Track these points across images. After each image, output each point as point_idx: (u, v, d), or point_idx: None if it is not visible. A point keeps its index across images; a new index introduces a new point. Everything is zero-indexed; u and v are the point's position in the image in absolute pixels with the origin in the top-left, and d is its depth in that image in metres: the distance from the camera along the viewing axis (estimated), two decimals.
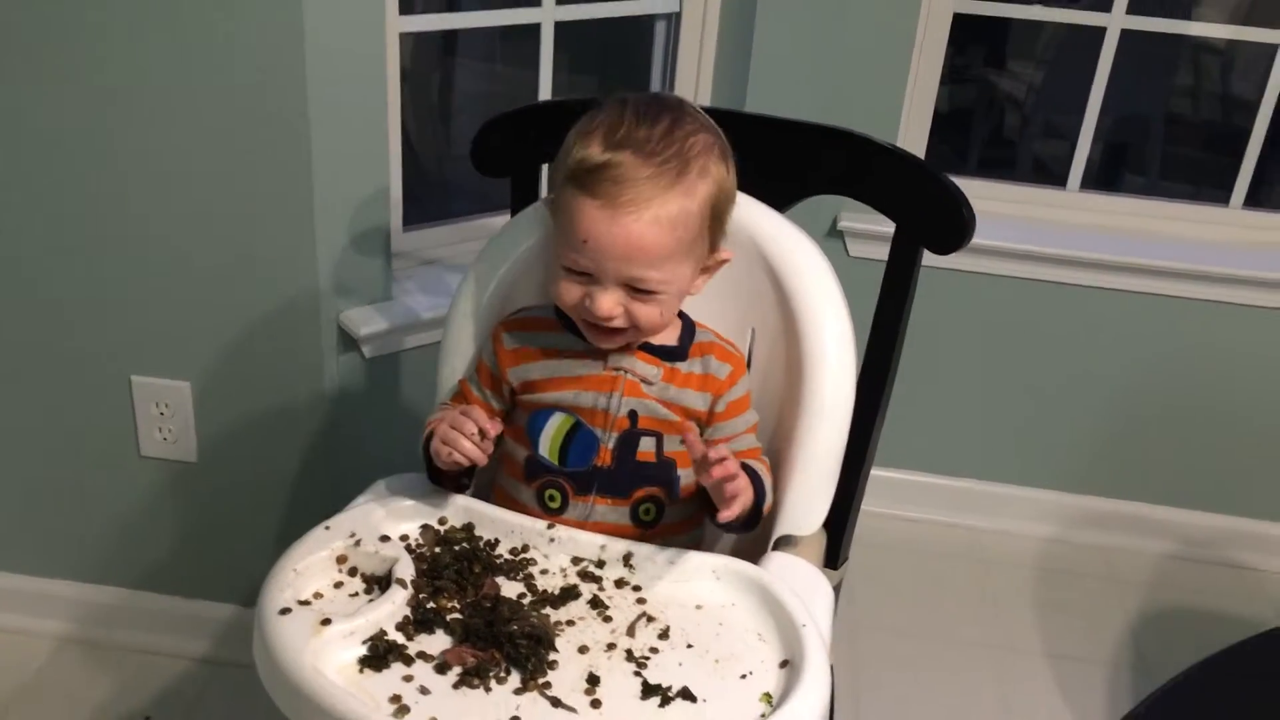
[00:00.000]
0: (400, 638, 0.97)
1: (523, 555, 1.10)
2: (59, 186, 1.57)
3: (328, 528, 1.08)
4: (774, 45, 1.96)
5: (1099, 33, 2.11)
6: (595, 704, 0.93)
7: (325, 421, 1.71)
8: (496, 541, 1.11)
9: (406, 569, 1.03)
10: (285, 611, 0.97)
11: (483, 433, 1.07)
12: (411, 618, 0.99)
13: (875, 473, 1.39)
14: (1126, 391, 2.23)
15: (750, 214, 1.22)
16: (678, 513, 1.18)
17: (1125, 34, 2.09)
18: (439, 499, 1.15)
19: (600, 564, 1.09)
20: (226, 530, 1.80)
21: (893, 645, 2.02)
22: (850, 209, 2.12)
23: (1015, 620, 2.12)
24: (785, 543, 1.19)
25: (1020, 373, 2.26)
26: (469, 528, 1.12)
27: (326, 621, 0.96)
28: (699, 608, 1.05)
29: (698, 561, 1.08)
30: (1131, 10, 2.08)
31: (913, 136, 2.13)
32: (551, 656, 0.97)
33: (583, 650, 0.99)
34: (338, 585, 1.04)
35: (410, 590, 1.02)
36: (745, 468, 1.09)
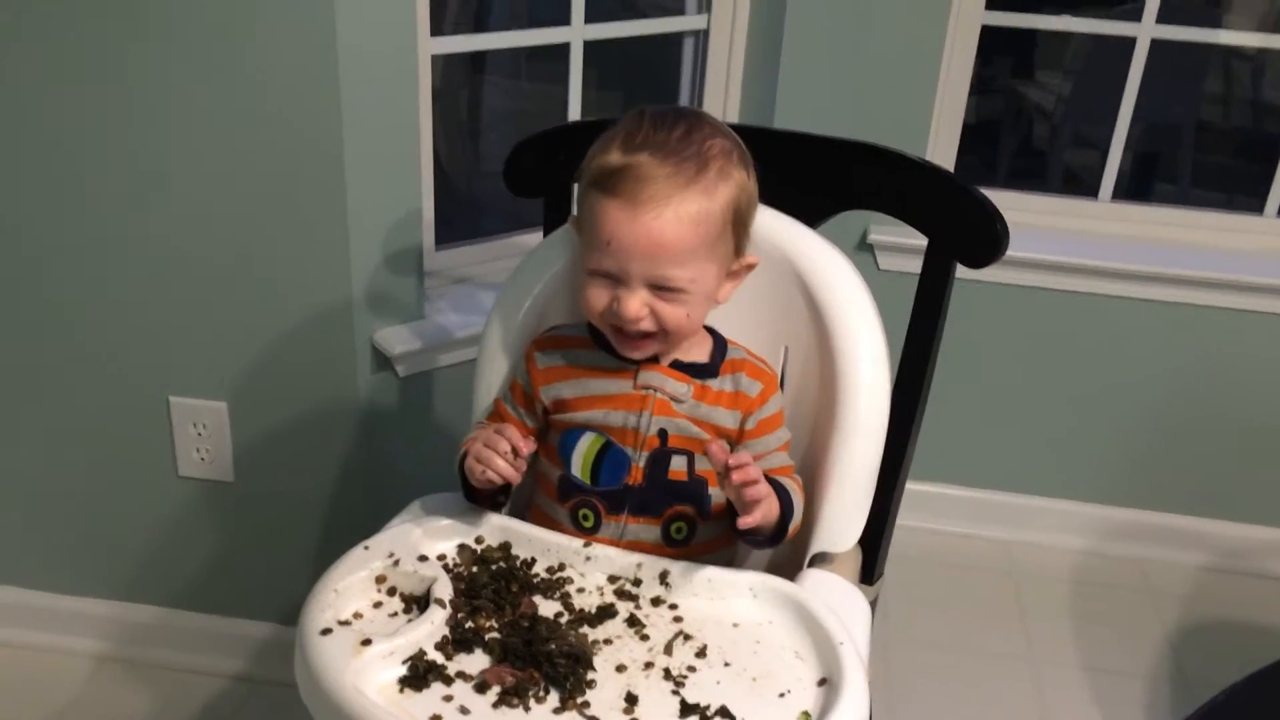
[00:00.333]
0: (439, 657, 0.98)
1: (559, 574, 1.10)
2: (99, 212, 1.60)
3: (367, 548, 1.09)
4: (802, 61, 1.97)
5: (1127, 42, 2.10)
6: None
7: (359, 440, 1.72)
8: (533, 560, 1.11)
9: (445, 589, 1.04)
10: (326, 632, 0.98)
11: (516, 451, 1.08)
12: (450, 637, 1.00)
13: (907, 486, 1.38)
14: (1160, 402, 2.22)
15: (783, 230, 1.22)
16: (709, 531, 1.18)
17: (1154, 43, 2.08)
18: (475, 518, 1.15)
19: (637, 582, 1.09)
20: (263, 549, 1.82)
21: (927, 658, 2.01)
22: (880, 222, 2.11)
23: (1050, 633, 2.10)
24: (821, 559, 1.19)
25: (1052, 384, 2.24)
26: (505, 547, 1.12)
27: (367, 642, 0.97)
28: (736, 626, 1.05)
29: (734, 579, 1.08)
30: (1160, 19, 2.07)
31: (942, 149, 2.13)
32: (590, 676, 0.97)
33: (620, 669, 0.99)
34: (377, 605, 1.05)
35: (449, 610, 1.02)
36: (772, 482, 1.09)
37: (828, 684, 0.98)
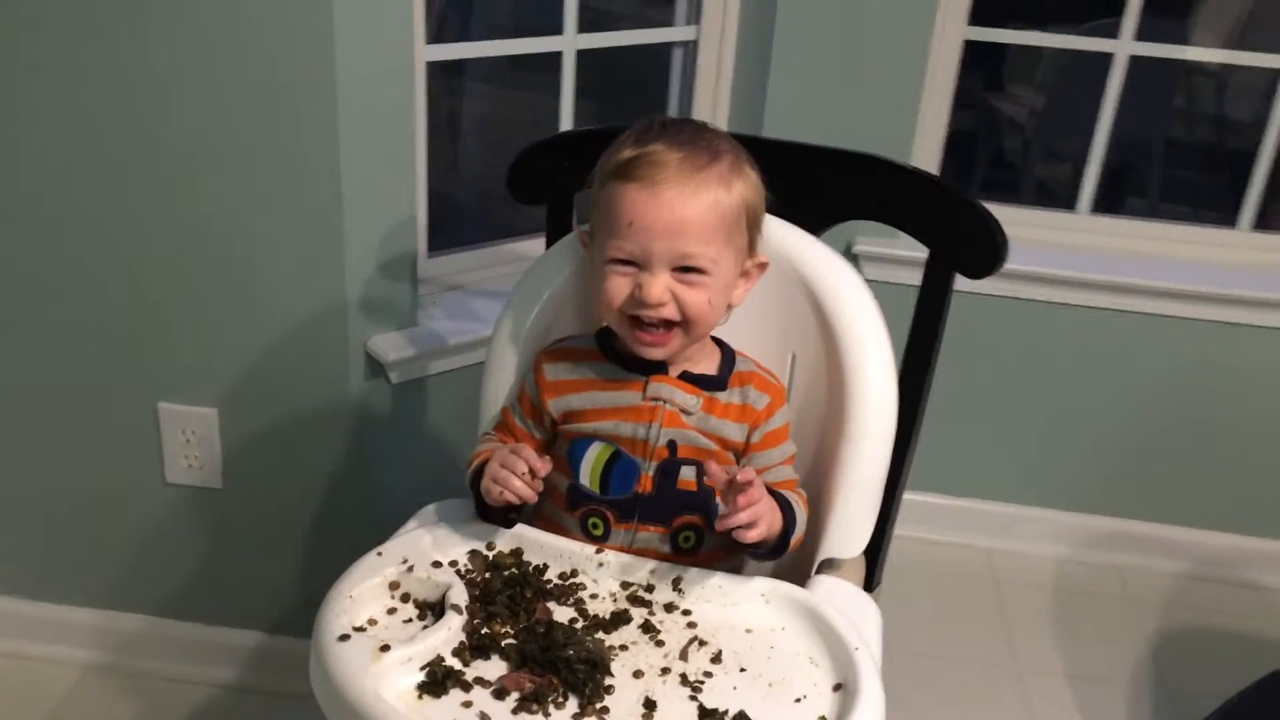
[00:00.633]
0: (457, 663, 0.98)
1: (572, 580, 1.10)
2: (87, 216, 1.58)
3: (380, 554, 1.08)
4: (790, 72, 1.99)
5: (1099, 58, 2.14)
6: None
7: (351, 447, 1.71)
8: (545, 566, 1.11)
9: (460, 595, 1.04)
10: (344, 638, 0.98)
11: (533, 472, 1.08)
12: (467, 643, 1.00)
13: None
14: (1138, 412, 2.25)
15: (789, 239, 1.24)
16: (716, 540, 1.18)
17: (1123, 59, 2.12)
18: (487, 525, 1.15)
19: (649, 588, 1.10)
20: (251, 556, 1.81)
21: (912, 667, 2.02)
22: (864, 232, 2.13)
23: (1033, 641, 2.13)
24: (828, 566, 1.20)
25: (1032, 394, 2.28)
26: (517, 553, 1.12)
27: (385, 648, 0.97)
28: (749, 631, 1.06)
29: (746, 585, 1.09)
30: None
31: (925, 160, 2.15)
32: (607, 681, 0.98)
33: (638, 675, 0.99)
34: (391, 611, 1.05)
35: (465, 616, 1.02)
36: (776, 496, 1.10)
37: (843, 689, 0.99)
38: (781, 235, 1.23)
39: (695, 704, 0.97)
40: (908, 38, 2.04)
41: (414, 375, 1.72)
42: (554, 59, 1.85)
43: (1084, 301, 2.18)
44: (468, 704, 0.94)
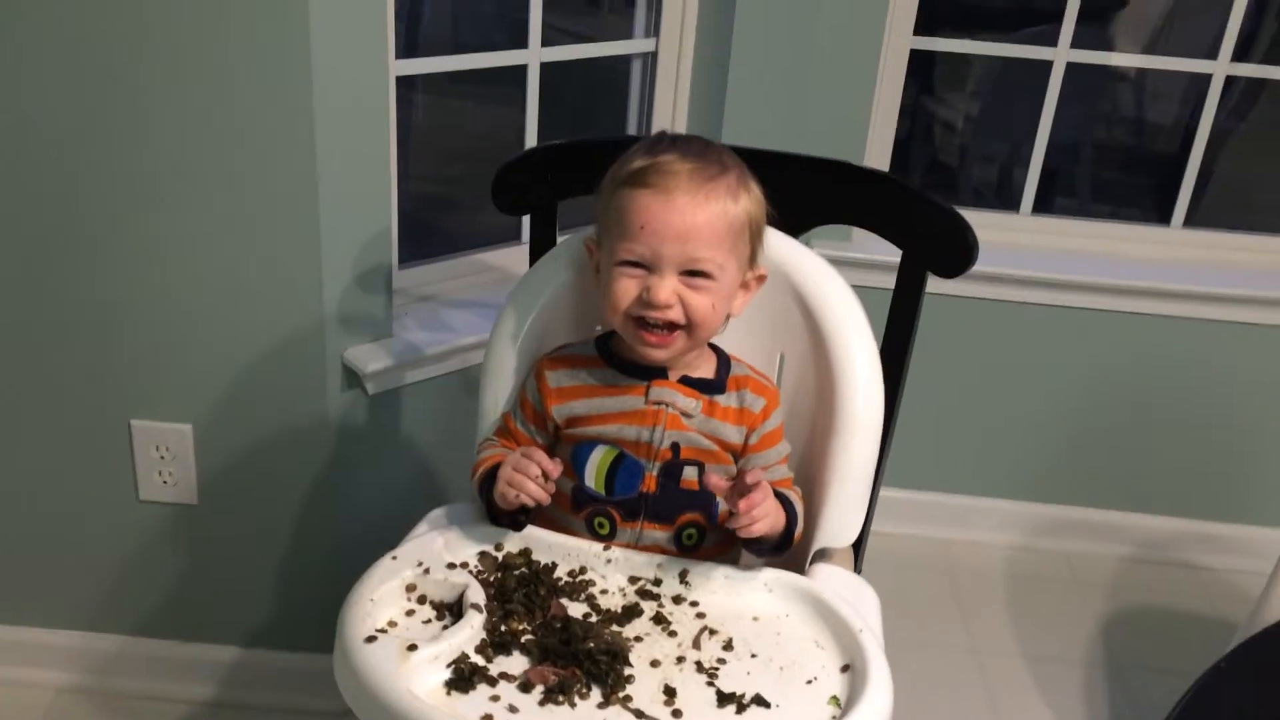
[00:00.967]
0: (480, 660, 1.01)
1: (581, 577, 1.14)
2: (57, 228, 1.57)
3: (394, 557, 1.11)
4: (748, 82, 2.04)
5: (1028, 65, 2.24)
6: (676, 714, 0.98)
7: (328, 458, 1.72)
8: (554, 565, 1.15)
9: (478, 594, 1.07)
10: (371, 640, 1.00)
11: (545, 474, 1.11)
12: (488, 641, 1.03)
13: None
14: (1081, 403, 2.35)
15: (774, 242, 1.28)
16: (717, 536, 1.23)
17: (1045, 65, 2.22)
18: (495, 527, 1.18)
19: (657, 582, 1.14)
20: (226, 571, 1.80)
21: None
22: (821, 236, 2.19)
23: (990, 625, 2.21)
24: (820, 557, 1.25)
25: (979, 389, 2.36)
26: (526, 553, 1.16)
27: (413, 647, 0.99)
28: (756, 619, 1.10)
29: (749, 575, 1.14)
30: (1050, 42, 2.21)
31: (875, 164, 2.22)
32: (627, 671, 1.01)
33: (655, 664, 1.03)
34: (409, 613, 1.07)
35: (484, 614, 1.05)
36: (779, 496, 1.15)
37: (851, 670, 1.04)
38: (767, 239, 1.28)
39: (713, 689, 1.01)
40: (859, 48, 2.11)
41: (390, 386, 1.74)
42: (493, 72, 1.88)
43: (1027, 299, 2.27)
44: (495, 698, 0.97)
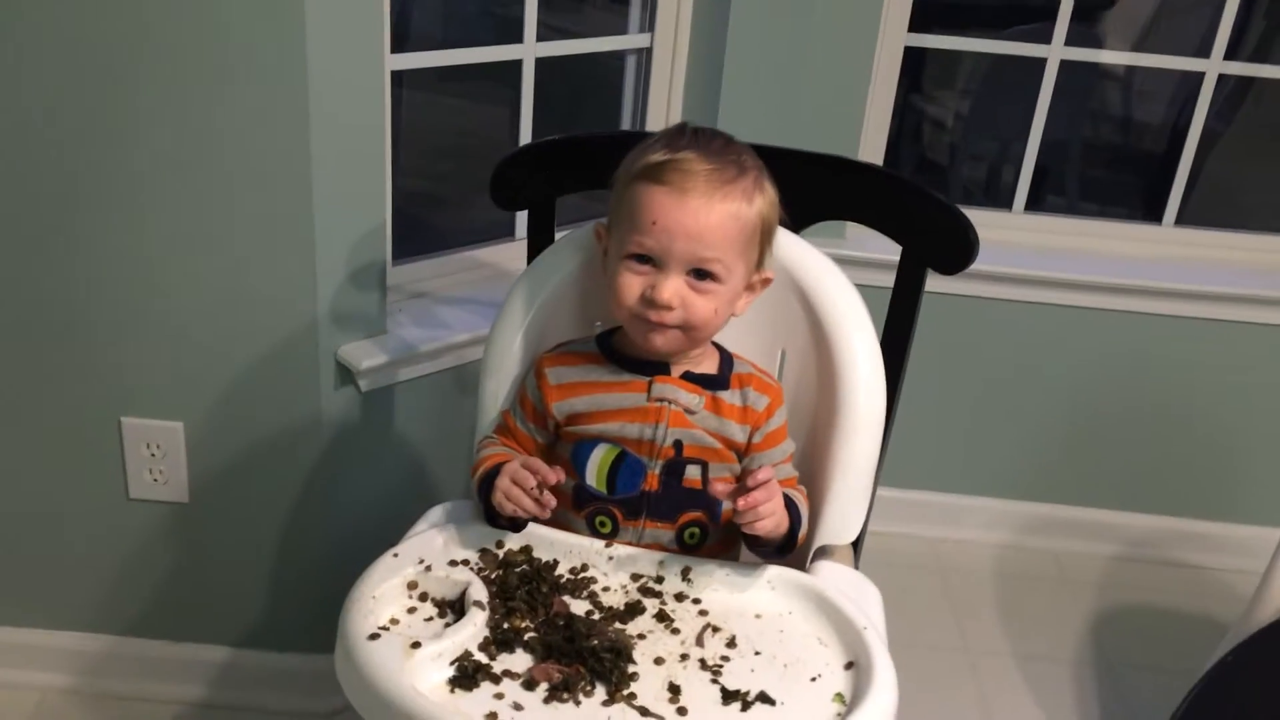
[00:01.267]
0: (483, 658, 1.00)
1: (583, 574, 1.13)
2: (48, 225, 1.55)
3: (396, 555, 1.10)
4: (742, 78, 2.03)
5: (1020, 64, 2.24)
6: (681, 711, 0.97)
7: (320, 456, 1.71)
8: (555, 562, 1.14)
9: (480, 591, 1.06)
10: (374, 637, 0.99)
11: (542, 485, 1.09)
12: (491, 638, 1.02)
13: None
14: (1071, 402, 2.35)
15: (778, 240, 1.27)
16: (718, 535, 1.23)
17: (1036, 62, 2.22)
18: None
19: (659, 579, 1.13)
20: (218, 571, 1.79)
21: None
22: (814, 234, 2.19)
23: (981, 625, 2.21)
24: (821, 554, 1.25)
25: (969, 388, 2.36)
26: (527, 550, 1.15)
27: (416, 645, 0.98)
28: (759, 616, 1.10)
29: (752, 573, 1.13)
30: (1039, 40, 2.21)
31: (869, 160, 2.22)
32: (631, 669, 1.01)
33: (659, 661, 1.03)
34: (411, 611, 1.06)
35: (487, 611, 1.04)
36: (784, 496, 1.14)
37: (855, 667, 1.04)
38: None
39: (717, 686, 1.00)
40: (854, 44, 2.11)
41: (383, 383, 1.72)
42: (481, 69, 1.87)
43: (1018, 297, 2.27)
44: (500, 696, 0.97)
